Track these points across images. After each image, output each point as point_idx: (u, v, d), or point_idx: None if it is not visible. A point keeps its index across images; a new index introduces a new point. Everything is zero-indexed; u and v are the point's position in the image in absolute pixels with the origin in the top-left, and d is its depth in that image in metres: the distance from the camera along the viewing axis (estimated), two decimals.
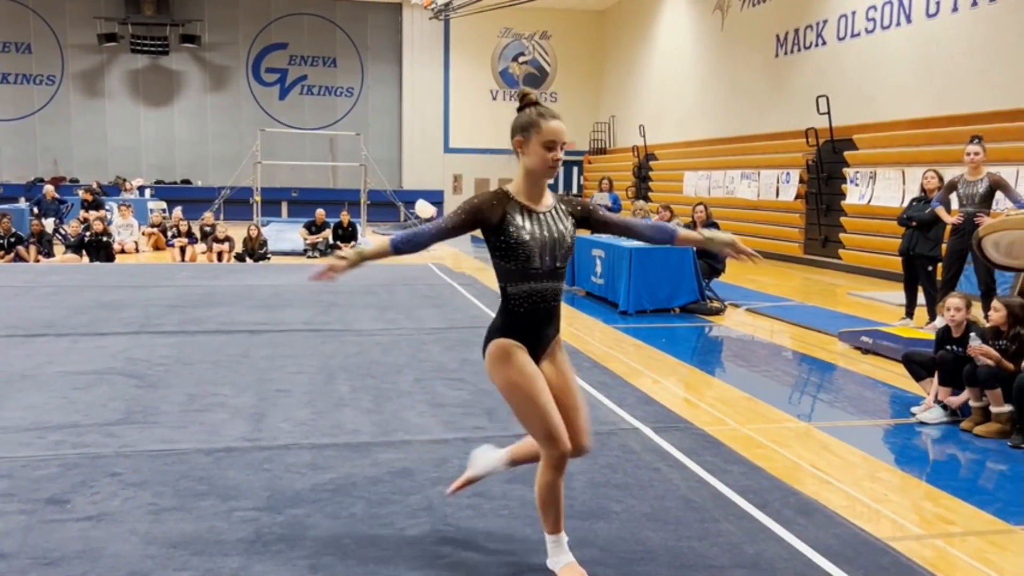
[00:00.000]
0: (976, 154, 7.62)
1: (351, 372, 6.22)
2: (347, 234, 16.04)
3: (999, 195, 7.77)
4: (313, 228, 16.09)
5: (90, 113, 26.92)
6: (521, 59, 28.68)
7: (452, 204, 28.10)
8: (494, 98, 28.63)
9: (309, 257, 15.55)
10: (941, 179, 8.33)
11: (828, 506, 3.79)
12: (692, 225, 10.27)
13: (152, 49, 26.47)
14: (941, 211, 7.98)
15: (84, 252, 14.38)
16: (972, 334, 5.00)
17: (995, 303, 5.07)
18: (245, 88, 27.99)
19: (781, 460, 4.47)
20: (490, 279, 12.41)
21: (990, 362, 4.88)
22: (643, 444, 4.64)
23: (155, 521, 3.48)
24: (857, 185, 13.99)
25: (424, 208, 17.41)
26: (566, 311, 9.73)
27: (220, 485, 3.90)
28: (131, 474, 4.02)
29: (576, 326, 8.68)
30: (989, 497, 4.06)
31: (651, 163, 22.93)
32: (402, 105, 28.44)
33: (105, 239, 14.54)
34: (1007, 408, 4.85)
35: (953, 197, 8.00)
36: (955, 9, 12.69)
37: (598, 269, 10.25)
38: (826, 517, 3.64)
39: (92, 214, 16.31)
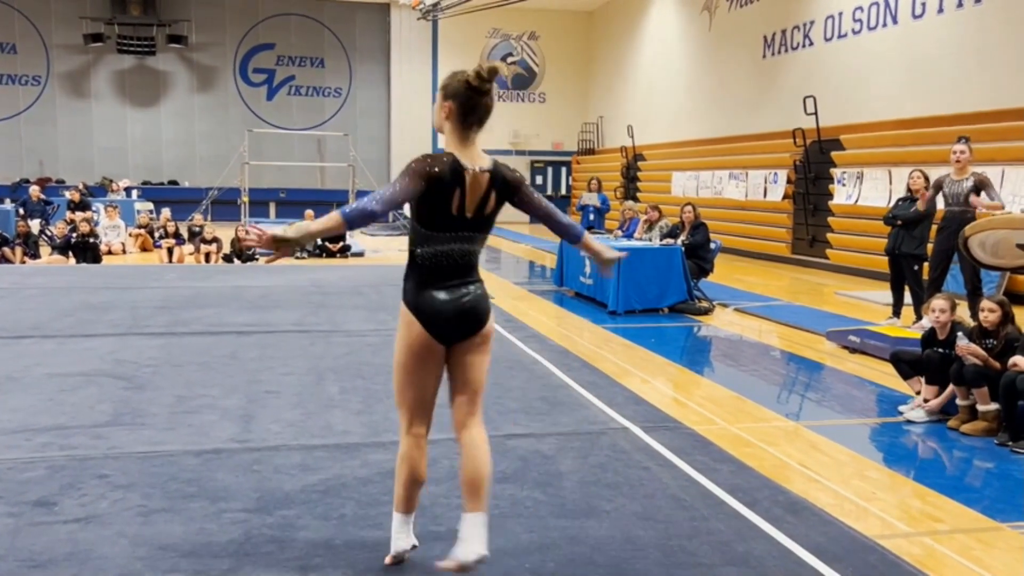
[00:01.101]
0: (963, 153, 7.68)
1: (340, 373, 6.21)
2: (335, 235, 15.99)
3: (983, 194, 7.82)
4: None
5: (76, 114, 26.74)
6: (509, 60, 28.66)
7: None
8: None
9: (297, 258, 15.49)
10: (927, 179, 8.38)
11: (817, 504, 3.81)
12: (681, 225, 10.30)
13: (139, 49, 26.31)
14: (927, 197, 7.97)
15: (70, 253, 14.29)
16: (959, 333, 5.04)
17: (989, 304, 5.10)
18: (232, 88, 27.87)
19: (770, 459, 4.49)
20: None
21: (977, 361, 4.92)
22: (633, 443, 4.65)
23: (144, 523, 3.47)
24: (844, 185, 14.06)
25: None
26: (555, 311, 9.77)
27: (209, 487, 3.88)
28: (119, 476, 4.00)
29: (565, 326, 8.69)
30: (976, 495, 4.09)
31: (639, 163, 22.97)
32: (390, 106, 28.39)
33: (92, 240, 14.44)
34: (993, 406, 4.89)
35: (939, 196, 8.04)
36: (940, 10, 12.77)
37: (587, 269, 10.26)
38: (815, 515, 3.66)
39: (78, 215, 16.20)
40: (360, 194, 21.58)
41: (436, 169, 2.75)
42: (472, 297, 2.92)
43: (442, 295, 2.86)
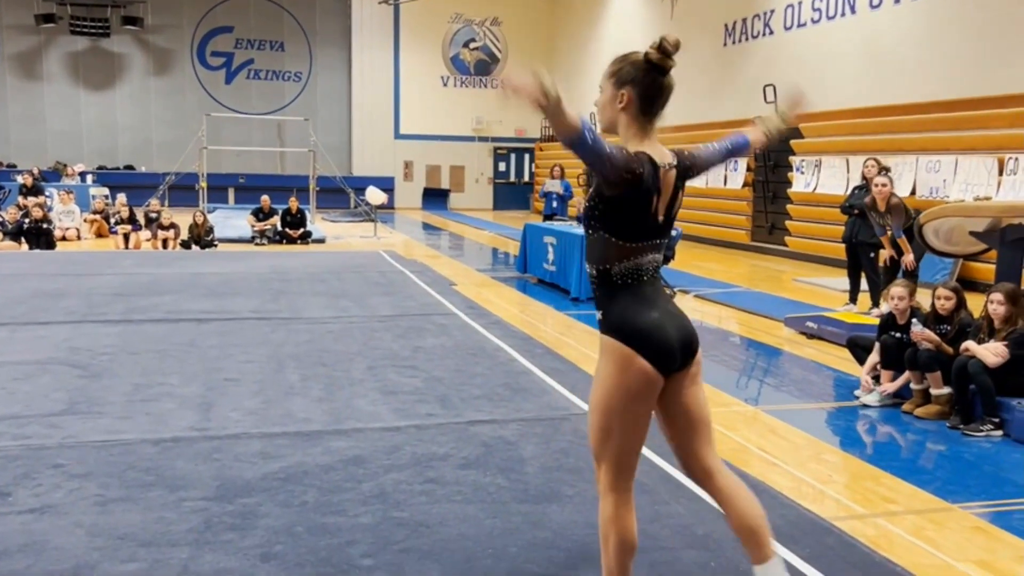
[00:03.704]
0: (884, 186, 7.66)
1: (301, 360, 6.16)
2: (296, 221, 15.83)
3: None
4: (261, 215, 15.84)
5: (28, 96, 26.11)
6: (472, 45, 28.55)
7: (403, 191, 28.01)
8: (445, 84, 28.46)
9: (257, 244, 15.31)
10: (880, 166, 8.52)
11: (775, 487, 3.87)
12: None
13: (92, 31, 25.75)
14: (903, 242, 7.89)
15: (23, 239, 13.98)
16: (914, 319, 5.14)
17: (944, 291, 5.21)
18: (190, 72, 27.41)
19: (729, 443, 4.55)
20: (443, 266, 12.40)
21: (931, 346, 5.02)
22: None
23: (101, 512, 3.42)
24: (803, 173, 14.23)
25: (375, 195, 17.26)
26: (518, 298, 9.77)
27: (168, 475, 3.84)
28: (75, 465, 3.94)
29: (528, 312, 8.71)
30: (928, 476, 4.19)
31: None
32: (351, 91, 28.12)
33: (45, 226, 14.13)
34: (946, 390, 5.00)
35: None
36: (897, 1, 12.96)
37: (550, 256, 10.28)
38: (773, 498, 3.72)
39: (31, 200, 15.84)
40: (322, 180, 21.45)
41: (641, 170, 2.30)
42: (685, 315, 2.52)
43: (657, 316, 2.40)
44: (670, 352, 2.40)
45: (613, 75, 2.42)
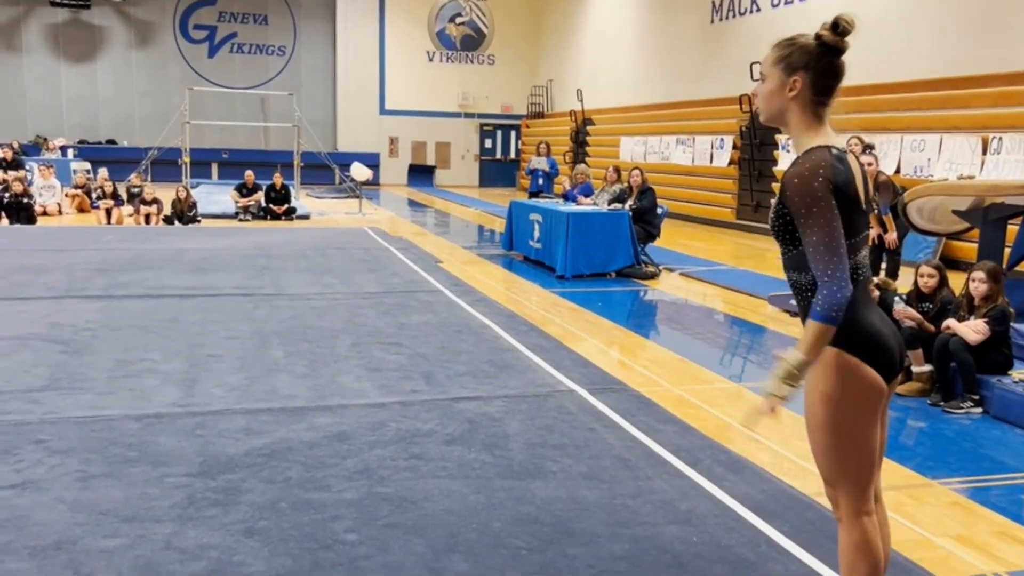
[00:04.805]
0: (870, 164, 7.69)
1: (285, 337, 6.14)
2: (280, 197, 15.72)
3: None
4: (244, 191, 15.72)
5: (7, 69, 25.71)
6: (458, 20, 28.29)
7: (388, 167, 27.85)
8: (431, 59, 28.22)
9: (241, 220, 15.20)
10: (863, 144, 8.52)
11: (757, 463, 3.90)
12: (629, 190, 10.34)
13: (72, 3, 25.34)
14: (888, 219, 7.93)
15: (3, 214, 13.82)
16: (896, 297, 5.17)
17: (928, 269, 5.24)
18: (172, 45, 27.05)
19: (712, 419, 4.57)
20: (428, 243, 12.36)
21: (913, 324, 5.06)
22: (579, 405, 4.70)
23: (83, 488, 3.40)
24: (789, 151, 14.23)
25: (360, 171, 17.15)
26: (504, 275, 9.76)
27: (151, 451, 3.82)
28: (57, 441, 3.92)
29: (514, 290, 8.70)
30: (909, 453, 4.23)
31: (588, 128, 22.96)
32: (336, 65, 27.85)
33: (25, 200, 13.98)
34: (927, 368, 5.04)
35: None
36: None
37: (536, 234, 10.27)
38: (755, 474, 3.75)
39: (11, 174, 15.64)
40: (307, 155, 21.27)
41: (832, 169, 2.14)
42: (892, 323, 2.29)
43: (877, 321, 2.19)
44: (892, 360, 2.17)
45: (780, 60, 2.22)
